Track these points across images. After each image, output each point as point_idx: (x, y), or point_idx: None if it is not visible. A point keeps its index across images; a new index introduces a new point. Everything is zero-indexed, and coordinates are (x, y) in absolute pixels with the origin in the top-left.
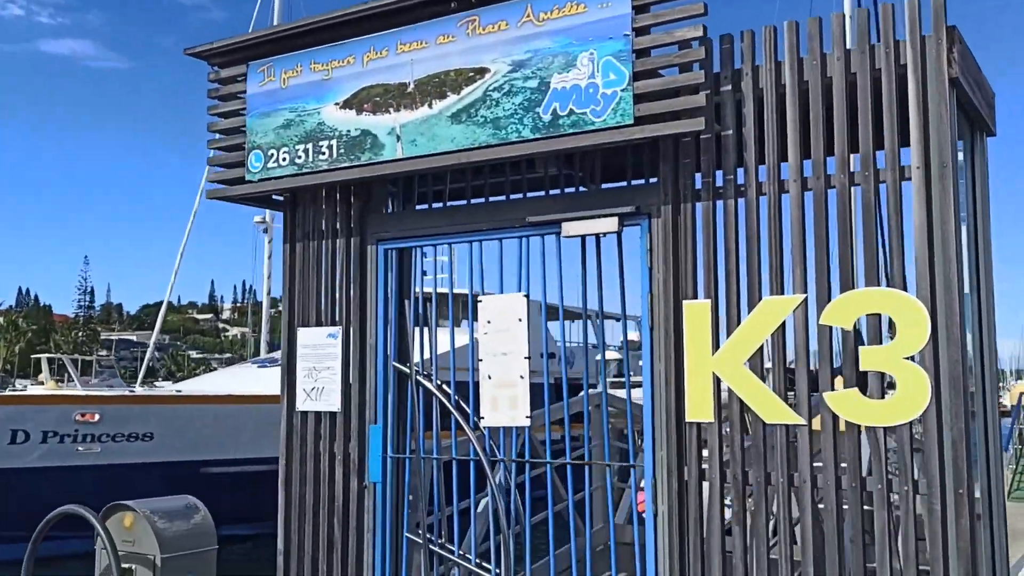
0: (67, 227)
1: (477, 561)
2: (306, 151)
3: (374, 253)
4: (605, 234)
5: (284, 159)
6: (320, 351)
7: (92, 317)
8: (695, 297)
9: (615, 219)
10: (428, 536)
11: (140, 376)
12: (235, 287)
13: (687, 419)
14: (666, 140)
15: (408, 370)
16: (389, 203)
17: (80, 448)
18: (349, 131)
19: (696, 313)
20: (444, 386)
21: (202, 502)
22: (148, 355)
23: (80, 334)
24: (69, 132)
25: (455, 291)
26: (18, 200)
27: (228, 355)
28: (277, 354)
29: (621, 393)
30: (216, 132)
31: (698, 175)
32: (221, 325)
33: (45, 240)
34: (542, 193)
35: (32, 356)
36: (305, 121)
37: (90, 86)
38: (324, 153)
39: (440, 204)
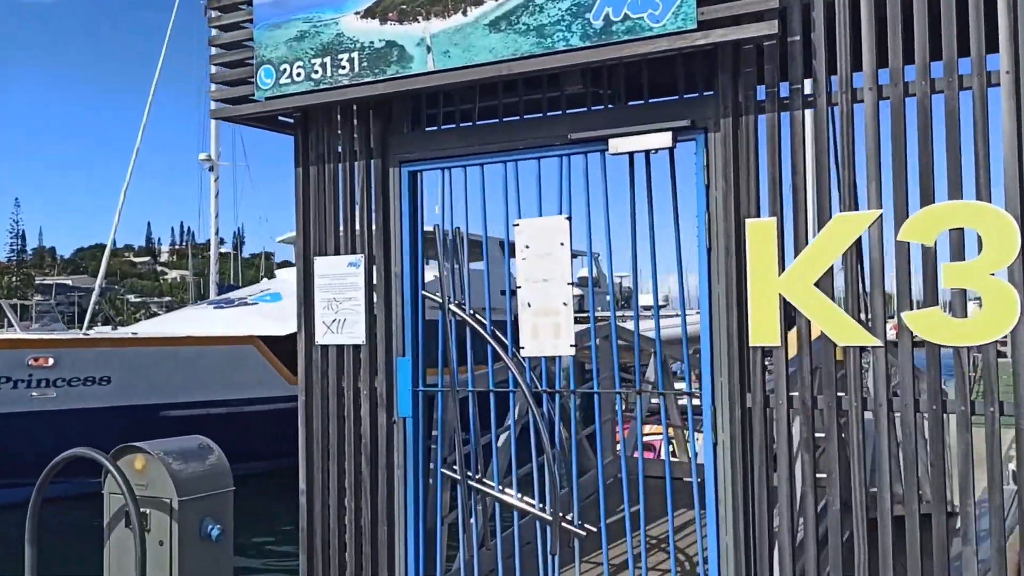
0: None
1: (520, 496)
2: (323, 65)
3: (397, 176)
4: (656, 151)
5: (298, 74)
6: (341, 281)
7: (25, 261)
8: (758, 215)
9: (668, 134)
10: (466, 471)
11: (87, 320)
12: (172, 229)
13: (751, 343)
14: (725, 48)
15: (438, 299)
16: (411, 122)
17: (34, 394)
18: (372, 43)
19: (760, 232)
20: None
21: None
22: (93, 299)
23: (14, 279)
24: None
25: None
26: None
27: (168, 298)
28: (234, 294)
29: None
30: (217, 46)
31: (759, 86)
32: (159, 268)
33: None
34: (583, 108)
35: None
36: (321, 32)
37: (11, 19)
38: (344, 67)
39: (469, 122)
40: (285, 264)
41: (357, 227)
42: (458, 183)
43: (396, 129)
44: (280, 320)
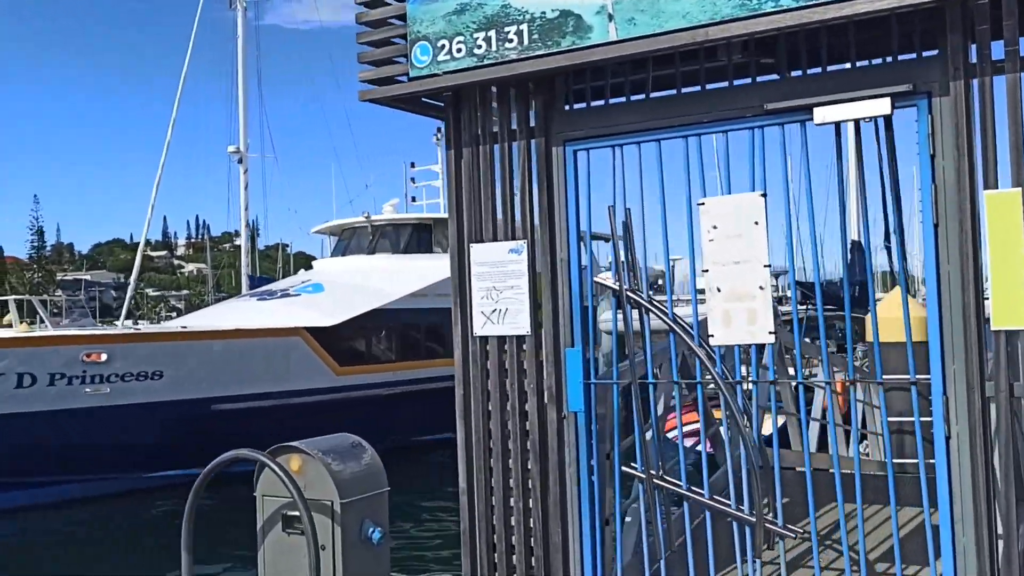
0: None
1: (714, 496)
2: (488, 39)
3: (561, 155)
4: (868, 119)
5: (459, 50)
6: (501, 269)
7: (44, 258)
8: (996, 187)
9: (886, 100)
10: (649, 470)
11: (123, 314)
12: (188, 223)
13: (993, 327)
14: (953, 4)
15: (613, 286)
16: (573, 97)
17: (88, 390)
18: (544, 13)
19: (1002, 205)
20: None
21: (214, 440)
22: (130, 292)
23: (35, 275)
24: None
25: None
26: None
27: (186, 292)
28: (274, 286)
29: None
30: (364, 24)
31: (994, 43)
32: (176, 262)
33: None
34: (774, 76)
35: None
36: (485, 4)
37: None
38: (511, 41)
39: (640, 95)
40: (301, 256)
41: (517, 211)
42: (630, 161)
43: (557, 106)
44: (325, 311)
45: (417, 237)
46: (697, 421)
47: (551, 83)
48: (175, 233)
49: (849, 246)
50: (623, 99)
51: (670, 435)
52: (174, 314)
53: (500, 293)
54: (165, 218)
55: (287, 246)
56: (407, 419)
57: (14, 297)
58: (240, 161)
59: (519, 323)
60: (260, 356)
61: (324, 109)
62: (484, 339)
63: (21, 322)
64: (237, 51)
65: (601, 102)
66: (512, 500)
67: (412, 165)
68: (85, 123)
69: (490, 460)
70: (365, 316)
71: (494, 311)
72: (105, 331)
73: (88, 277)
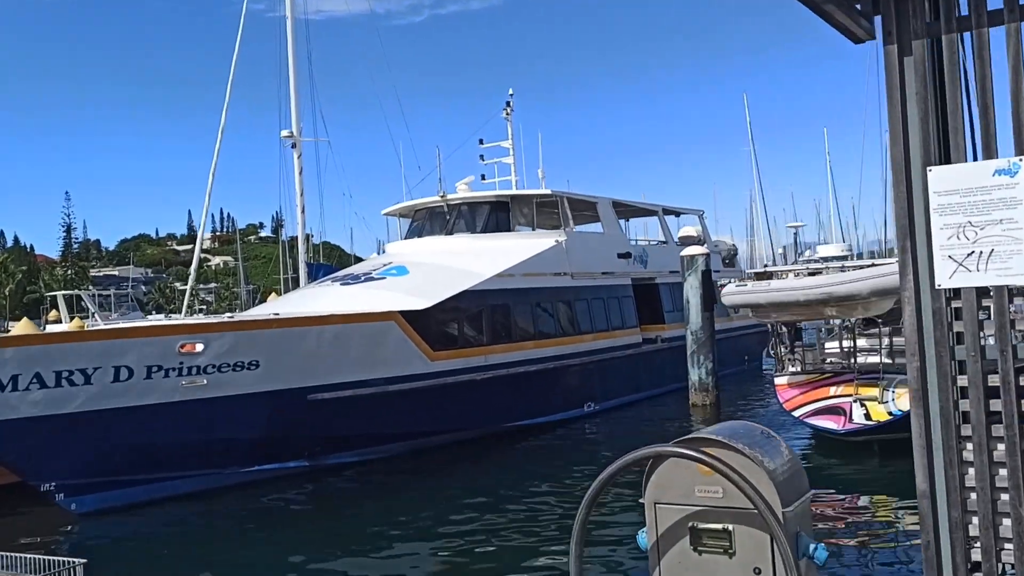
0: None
1: None
2: None
3: None
4: None
5: None
6: (982, 197)
7: (73, 254)
8: None
9: None
10: None
11: (184, 306)
12: (213, 216)
13: None
14: None
15: None
16: None
17: (184, 382)
18: None
19: None
20: None
21: (310, 432)
22: (190, 283)
23: (69, 272)
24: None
25: None
26: None
27: (213, 284)
28: (354, 270)
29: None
30: None
31: None
32: (203, 255)
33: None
34: None
35: (25, 297)
36: None
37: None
38: None
39: None
40: (327, 245)
41: (1007, 119)
42: None
43: None
44: (415, 294)
45: (495, 216)
46: (846, 395)
47: None
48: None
49: None
50: None
51: None
52: (204, 307)
53: (980, 230)
54: (190, 212)
55: (310, 235)
56: (499, 405)
57: (63, 293)
58: (294, 146)
59: (1013, 268)
60: (355, 342)
61: (375, 94)
62: (952, 292)
63: (72, 318)
64: (287, 33)
65: None
66: (1006, 503)
67: (481, 142)
68: (108, 118)
69: (963, 452)
70: (455, 298)
71: (970, 254)
72: (200, 321)
73: (116, 272)
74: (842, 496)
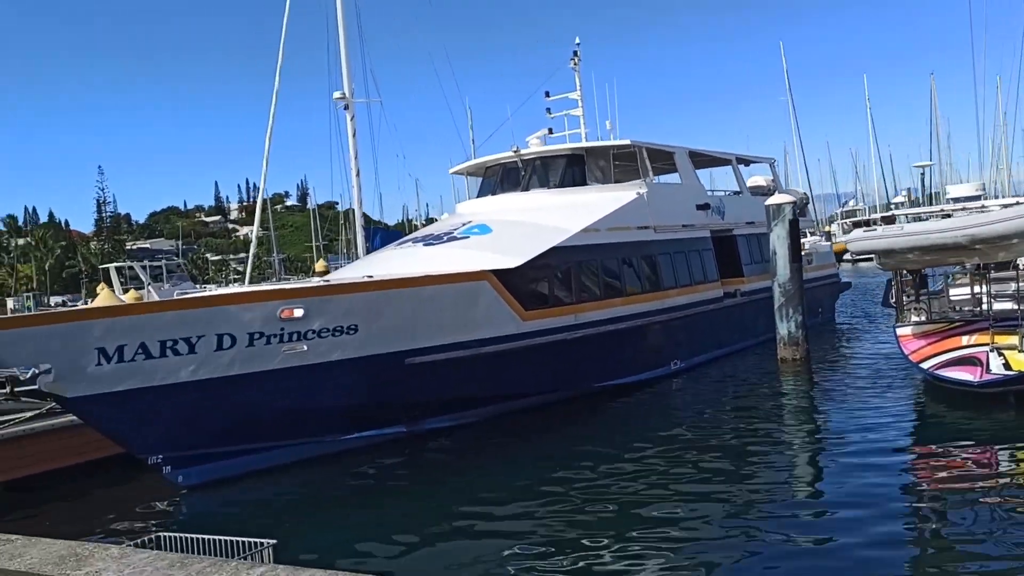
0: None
1: None
2: None
3: None
4: None
5: None
6: None
7: (106, 228)
8: None
9: None
10: None
11: (247, 275)
12: (239, 186)
13: None
14: None
15: None
16: None
17: (285, 349)
18: None
19: None
20: None
21: (408, 396)
22: (252, 250)
23: (105, 246)
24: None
25: None
26: None
27: (243, 254)
28: (433, 229)
29: None
30: None
31: None
32: (231, 226)
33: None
34: None
35: (64, 272)
36: None
37: None
38: None
39: None
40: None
41: None
42: None
43: None
44: (505, 252)
45: (571, 170)
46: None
47: None
48: (227, 197)
49: None
50: None
51: None
52: (237, 278)
53: None
54: (216, 183)
55: (335, 203)
56: (590, 365)
57: (115, 265)
58: (346, 107)
59: None
60: (449, 303)
61: (426, 53)
62: None
63: (126, 290)
64: None
65: None
66: None
67: (547, 94)
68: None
69: None
70: (544, 256)
71: None
72: (298, 285)
73: (148, 245)
74: (979, 450)
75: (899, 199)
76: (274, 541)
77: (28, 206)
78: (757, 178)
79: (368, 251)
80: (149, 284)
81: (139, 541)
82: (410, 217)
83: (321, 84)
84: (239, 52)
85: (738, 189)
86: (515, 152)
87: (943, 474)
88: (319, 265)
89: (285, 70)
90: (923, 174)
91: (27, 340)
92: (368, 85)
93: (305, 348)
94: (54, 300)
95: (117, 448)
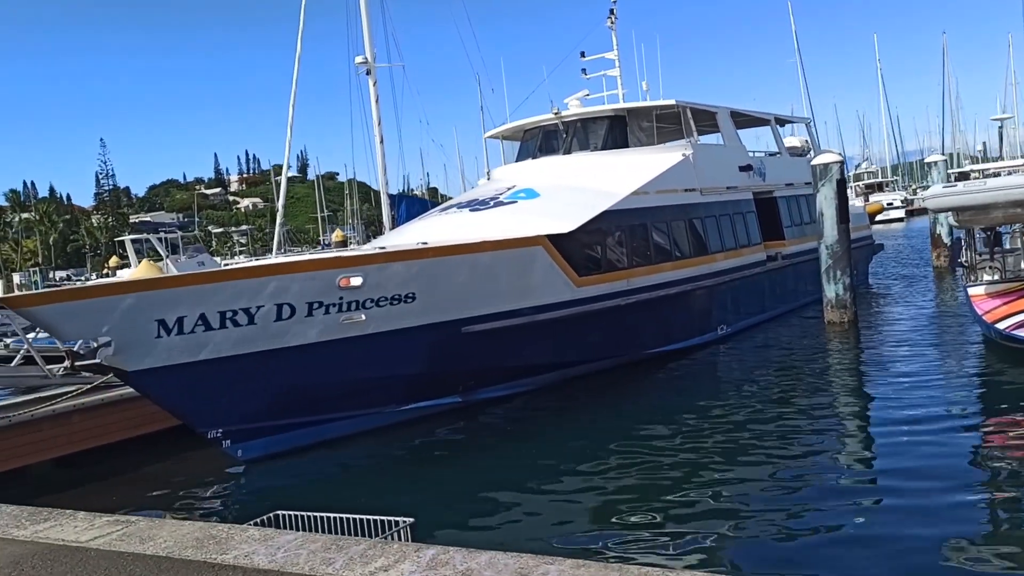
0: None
1: None
2: None
3: None
4: None
5: None
6: None
7: (106, 202)
8: None
9: None
10: None
11: (274, 247)
12: (238, 158)
13: None
14: None
15: None
16: None
17: (343, 319)
18: None
19: None
20: None
21: (464, 365)
22: (279, 220)
23: (109, 219)
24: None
25: None
26: None
27: (245, 227)
28: (477, 194)
29: None
30: None
31: None
32: (231, 198)
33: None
34: None
35: (68, 246)
36: None
37: None
38: None
39: None
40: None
41: None
42: None
43: None
44: (556, 216)
45: (614, 131)
46: None
47: None
48: (227, 169)
49: None
50: None
51: None
52: (242, 250)
53: None
54: (216, 155)
55: (336, 174)
56: (642, 332)
57: (131, 237)
58: (368, 73)
59: None
60: (504, 270)
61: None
62: None
63: (149, 261)
64: None
65: None
66: None
67: (582, 55)
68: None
69: None
70: (596, 220)
71: None
72: (355, 252)
73: (149, 219)
74: None
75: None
76: (411, 519)
77: (27, 181)
78: (791, 139)
79: (394, 220)
80: (168, 256)
81: (258, 520)
82: (412, 187)
83: (323, 52)
84: (234, 23)
85: (776, 150)
86: (555, 114)
87: (1017, 442)
88: (337, 235)
89: (279, 37)
90: (1001, 127)
91: (86, 312)
92: (390, 49)
93: (363, 317)
94: (59, 275)
95: (163, 423)
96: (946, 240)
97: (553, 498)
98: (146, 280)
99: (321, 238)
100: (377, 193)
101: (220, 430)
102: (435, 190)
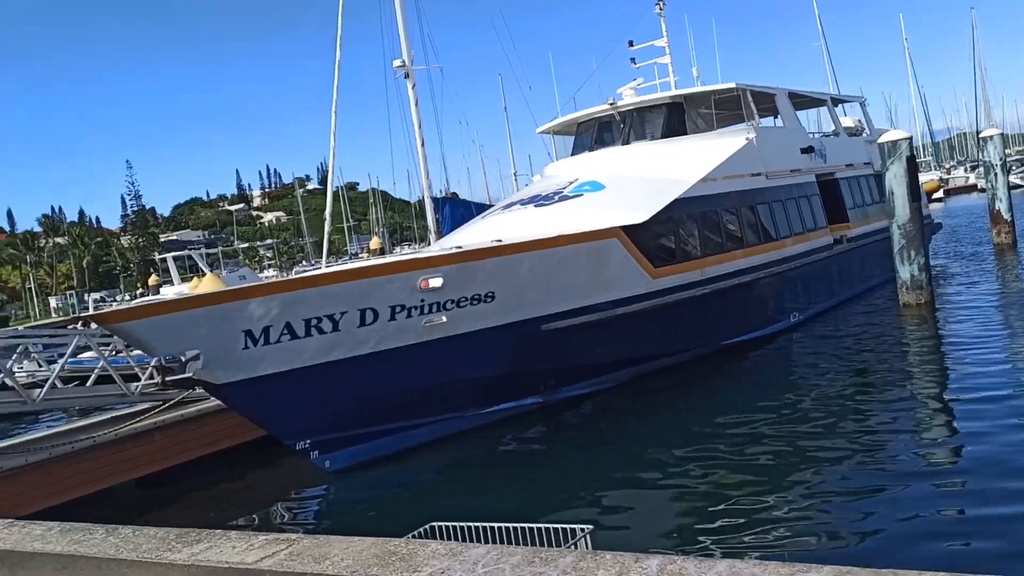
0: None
1: None
2: None
3: None
4: None
5: None
6: None
7: (132, 223)
8: None
9: None
10: None
11: (324, 256)
12: (260, 173)
13: None
14: None
15: None
16: None
17: (425, 322)
18: None
19: None
20: None
21: (544, 365)
22: (326, 228)
23: (140, 239)
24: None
25: None
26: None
27: (269, 240)
28: (538, 190)
29: None
30: None
31: None
32: (255, 213)
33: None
34: None
35: (100, 267)
36: None
37: None
38: None
39: None
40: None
41: None
42: None
43: None
44: (627, 207)
45: (672, 119)
46: None
47: None
48: (249, 185)
49: None
50: None
51: None
52: (271, 264)
53: None
54: (237, 171)
55: (356, 184)
56: (718, 322)
57: (173, 254)
58: (407, 76)
59: None
60: (580, 264)
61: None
62: None
63: (193, 278)
64: None
65: None
66: None
67: (631, 44)
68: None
69: None
70: (668, 209)
71: None
72: (434, 253)
73: (176, 237)
74: None
75: None
76: (591, 526)
77: (54, 206)
78: (846, 119)
79: (438, 223)
80: (212, 272)
81: (415, 533)
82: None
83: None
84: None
85: (835, 130)
86: (611, 104)
87: None
88: (375, 242)
89: (298, 49)
90: None
91: (175, 326)
92: (427, 52)
93: (444, 319)
94: (93, 297)
95: (238, 438)
96: (1006, 216)
97: (674, 494)
98: (231, 291)
99: (348, 248)
100: (399, 201)
101: (308, 441)
102: (455, 193)
